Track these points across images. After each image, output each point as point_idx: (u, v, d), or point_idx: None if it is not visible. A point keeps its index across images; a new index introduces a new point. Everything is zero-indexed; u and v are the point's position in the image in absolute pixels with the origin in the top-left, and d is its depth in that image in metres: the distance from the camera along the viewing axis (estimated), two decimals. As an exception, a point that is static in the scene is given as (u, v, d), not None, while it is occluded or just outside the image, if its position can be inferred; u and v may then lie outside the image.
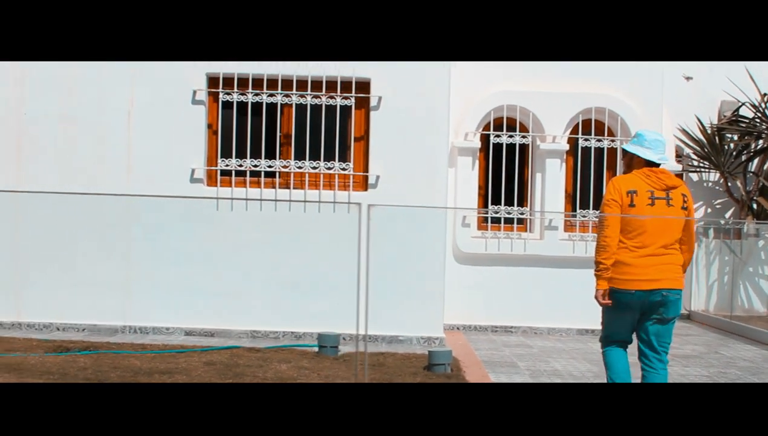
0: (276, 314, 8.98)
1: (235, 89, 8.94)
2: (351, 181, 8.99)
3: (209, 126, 9.04)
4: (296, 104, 8.99)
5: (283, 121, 9.06)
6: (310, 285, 8.93)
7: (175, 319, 9.00)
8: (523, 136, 10.10)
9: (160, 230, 8.94)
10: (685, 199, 5.38)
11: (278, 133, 9.04)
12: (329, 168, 8.99)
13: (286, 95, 8.94)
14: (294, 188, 8.99)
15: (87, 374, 6.69)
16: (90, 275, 8.97)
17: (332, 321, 8.73)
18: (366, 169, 9.01)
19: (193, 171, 8.95)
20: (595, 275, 5.34)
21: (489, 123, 10.16)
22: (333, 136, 9.00)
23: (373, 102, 8.93)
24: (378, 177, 8.92)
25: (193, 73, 8.89)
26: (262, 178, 9.00)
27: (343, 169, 8.99)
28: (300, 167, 8.98)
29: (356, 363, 6.89)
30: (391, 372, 7.21)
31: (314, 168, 8.98)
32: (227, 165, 8.97)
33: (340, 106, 8.96)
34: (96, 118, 8.95)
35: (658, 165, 5.38)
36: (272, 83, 8.93)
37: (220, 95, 8.95)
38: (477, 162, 10.13)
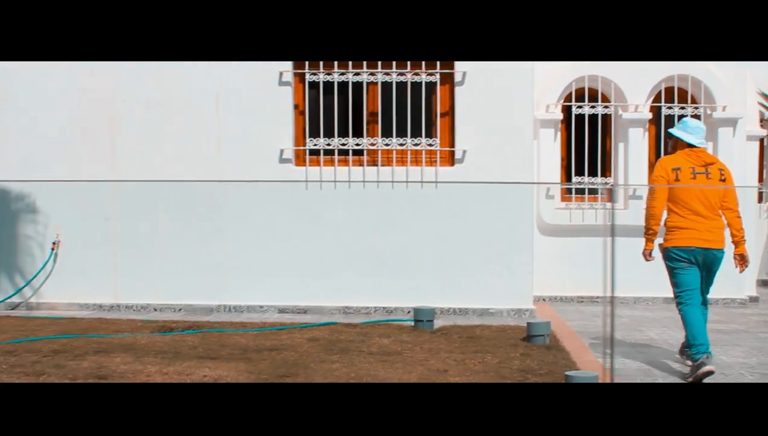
0: (367, 290, 9.11)
1: (321, 69, 9.05)
2: (438, 156, 9.06)
3: (296, 106, 9.18)
4: (382, 82, 9.08)
5: (369, 99, 9.16)
6: (400, 261, 9.06)
7: (269, 297, 9.19)
8: (605, 107, 10.07)
9: (251, 210, 9.12)
10: (722, 172, 6.42)
11: (364, 112, 9.14)
12: (416, 144, 9.08)
13: (372, 74, 9.04)
14: (381, 165, 9.10)
15: (198, 352, 6.89)
16: (184, 256, 9.20)
17: (421, 296, 8.91)
18: (452, 145, 9.08)
19: (281, 151, 9.10)
20: (645, 237, 6.59)
21: (570, 94, 10.14)
22: (418, 113, 9.08)
23: (457, 78, 8.99)
24: (465, 152, 8.99)
25: (279, 55, 9.02)
26: (350, 157, 9.12)
27: (430, 145, 9.07)
28: (387, 144, 9.09)
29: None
30: (490, 344, 7.32)
31: (401, 145, 9.08)
32: (315, 145, 9.11)
33: (425, 82, 9.04)
34: (186, 102, 9.14)
35: (694, 146, 6.44)
36: (357, 62, 9.02)
37: (306, 76, 9.07)
38: (559, 134, 10.14)
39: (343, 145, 9.09)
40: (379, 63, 8.97)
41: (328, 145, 9.10)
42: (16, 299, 9.39)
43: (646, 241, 6.57)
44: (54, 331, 7.87)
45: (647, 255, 6.60)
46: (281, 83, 9.08)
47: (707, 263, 6.36)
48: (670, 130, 6.66)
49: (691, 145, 6.42)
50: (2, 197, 9.37)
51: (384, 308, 9.10)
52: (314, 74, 9.06)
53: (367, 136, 9.13)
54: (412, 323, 8.23)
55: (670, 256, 6.46)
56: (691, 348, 6.26)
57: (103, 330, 7.92)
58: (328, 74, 9.05)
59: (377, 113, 9.13)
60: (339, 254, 9.12)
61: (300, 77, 9.14)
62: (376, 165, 9.10)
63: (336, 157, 9.10)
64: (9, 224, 9.37)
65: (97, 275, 9.29)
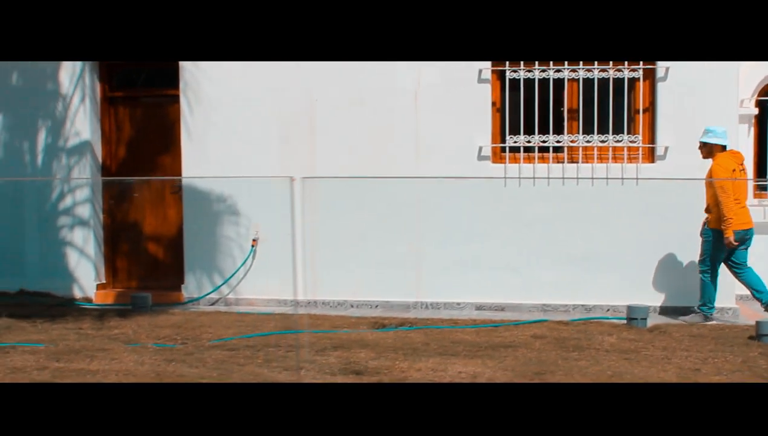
0: (565, 288, 9.06)
1: (521, 66, 9.02)
2: (639, 153, 8.96)
3: (493, 104, 9.18)
4: (582, 79, 9.01)
5: (569, 96, 9.09)
6: (599, 258, 8.99)
7: (466, 294, 9.23)
8: (802, 100, 9.83)
9: (448, 208, 9.16)
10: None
11: (564, 108, 9.07)
12: (618, 141, 8.98)
13: (573, 70, 8.98)
14: (582, 162, 9.03)
15: (434, 348, 6.94)
16: (382, 253, 9.29)
17: (620, 294, 8.84)
18: (653, 141, 8.97)
19: (480, 148, 9.12)
20: (727, 226, 8.07)
21: (764, 88, 9.91)
22: (618, 109, 8.99)
23: (659, 73, 8.87)
24: (666, 148, 8.87)
25: (478, 53, 9.03)
26: (551, 154, 9.08)
27: (632, 141, 8.97)
28: (588, 141, 9.02)
29: None
30: (720, 343, 7.21)
31: (602, 141, 9.00)
32: (515, 142, 9.09)
33: (627, 78, 8.94)
34: (384, 101, 9.23)
35: (725, 147, 8.27)
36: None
37: (507, 73, 9.05)
38: (752, 129, 9.93)
39: (543, 142, 9.06)
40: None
41: (528, 142, 9.08)
42: (214, 296, 9.63)
43: (727, 229, 8.10)
44: (274, 327, 8.04)
45: (733, 241, 8.13)
46: (480, 81, 9.09)
47: (749, 239, 8.37)
48: (703, 139, 8.31)
49: (723, 147, 8.25)
50: (203, 198, 9.61)
51: (582, 305, 9.05)
52: (514, 71, 9.04)
53: (567, 133, 9.07)
54: (624, 321, 8.15)
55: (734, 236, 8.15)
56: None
57: (318, 326, 8.05)
58: (529, 71, 9.02)
59: (577, 110, 9.07)
60: (537, 251, 9.09)
61: (498, 74, 9.14)
62: (576, 162, 9.05)
63: (536, 154, 9.07)
64: (210, 221, 9.61)
65: (295, 271, 9.44)
